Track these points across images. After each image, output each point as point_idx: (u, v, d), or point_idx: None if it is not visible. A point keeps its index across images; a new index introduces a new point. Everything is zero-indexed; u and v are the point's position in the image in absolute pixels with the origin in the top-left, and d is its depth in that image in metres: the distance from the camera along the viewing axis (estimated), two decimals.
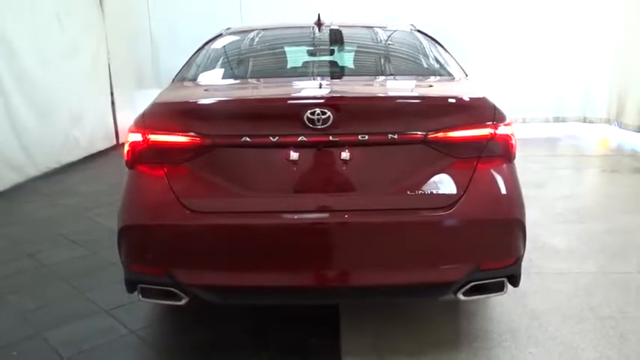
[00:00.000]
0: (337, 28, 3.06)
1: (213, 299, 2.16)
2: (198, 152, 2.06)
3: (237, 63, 2.88)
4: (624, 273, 3.14)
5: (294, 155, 2.03)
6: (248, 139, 2.02)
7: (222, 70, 2.75)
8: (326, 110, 1.97)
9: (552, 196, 4.72)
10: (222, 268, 2.09)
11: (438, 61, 2.84)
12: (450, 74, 2.65)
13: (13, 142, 5.41)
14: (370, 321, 2.60)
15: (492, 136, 2.09)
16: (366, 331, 2.53)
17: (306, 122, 1.97)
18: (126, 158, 2.15)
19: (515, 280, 2.26)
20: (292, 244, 2.04)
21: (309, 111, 1.97)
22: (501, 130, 2.11)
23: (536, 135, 7.82)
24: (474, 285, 2.15)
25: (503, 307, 2.77)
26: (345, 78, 2.75)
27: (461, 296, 2.16)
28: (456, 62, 2.81)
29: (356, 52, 3.05)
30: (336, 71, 2.80)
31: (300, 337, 2.50)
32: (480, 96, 2.21)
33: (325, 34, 2.96)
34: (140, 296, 2.21)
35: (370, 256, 2.06)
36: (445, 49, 2.95)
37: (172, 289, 2.11)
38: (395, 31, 3.23)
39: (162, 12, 8.18)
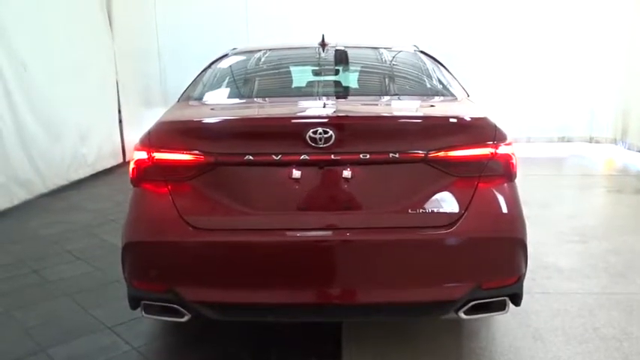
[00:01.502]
0: (341, 48, 3.11)
1: (215, 316, 2.17)
2: (201, 170, 2.09)
3: (242, 82, 2.93)
4: (628, 294, 3.12)
5: (296, 173, 2.06)
6: (251, 157, 2.05)
7: (227, 89, 2.80)
8: (328, 129, 2.00)
9: (557, 215, 4.72)
10: (224, 285, 2.10)
11: (440, 81, 2.88)
12: (452, 94, 2.68)
13: (23, 160, 5.48)
14: (372, 340, 2.60)
15: (493, 156, 2.11)
16: (368, 350, 2.52)
17: (309, 141, 2.00)
18: (131, 176, 2.19)
19: (517, 299, 2.26)
20: (293, 261, 2.05)
21: (311, 130, 2.00)
22: (502, 149, 2.13)
23: (541, 154, 7.84)
24: (476, 304, 2.15)
25: (506, 326, 2.77)
26: (348, 98, 2.80)
27: (462, 315, 2.16)
28: (458, 83, 2.84)
29: (360, 72, 3.09)
30: (340, 91, 2.84)
31: (301, 356, 2.51)
32: (481, 116, 2.24)
33: (329, 55, 3.01)
34: (143, 313, 2.22)
35: (371, 274, 2.08)
36: (447, 70, 2.99)
37: (175, 306, 2.13)
38: (398, 51, 3.28)
39: (170, 32, 8.32)
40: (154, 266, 2.13)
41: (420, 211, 2.06)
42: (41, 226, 4.67)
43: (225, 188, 2.10)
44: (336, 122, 2.07)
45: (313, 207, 2.10)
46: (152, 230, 2.12)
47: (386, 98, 2.75)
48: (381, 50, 3.24)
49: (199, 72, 2.95)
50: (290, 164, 2.06)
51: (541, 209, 4.87)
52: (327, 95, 2.80)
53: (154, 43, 8.25)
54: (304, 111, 2.37)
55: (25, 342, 2.65)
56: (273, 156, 2.05)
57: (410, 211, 2.06)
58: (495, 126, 2.17)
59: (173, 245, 2.09)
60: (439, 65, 3.02)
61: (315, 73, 3.04)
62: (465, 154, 2.09)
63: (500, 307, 2.21)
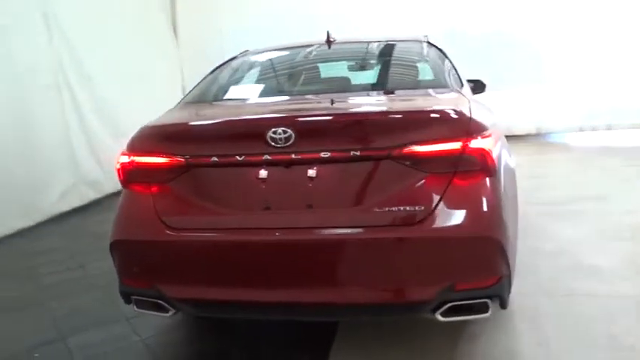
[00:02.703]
0: (342, 45, 3.10)
1: (193, 312, 2.26)
2: (177, 172, 2.19)
3: (235, 85, 3.00)
4: None
5: (262, 174, 2.09)
6: (217, 159, 2.12)
7: (220, 92, 2.88)
8: (287, 129, 2.02)
9: (612, 210, 4.35)
10: (198, 283, 2.19)
11: (437, 74, 2.78)
12: (445, 87, 2.57)
13: (91, 161, 5.98)
14: (365, 340, 2.57)
15: (463, 151, 2.01)
16: (359, 351, 2.50)
17: (269, 141, 2.03)
18: (119, 178, 2.34)
19: (502, 302, 2.14)
20: (259, 260, 2.09)
21: (271, 130, 2.02)
22: (475, 143, 2.02)
23: (619, 143, 7.24)
24: (454, 305, 2.08)
25: (513, 330, 2.64)
26: (327, 95, 2.74)
27: (439, 317, 2.08)
28: (456, 75, 2.71)
29: (351, 68, 3.06)
30: (325, 88, 2.83)
31: (294, 355, 2.54)
32: (451, 109, 2.13)
33: (329, 53, 3.00)
34: (135, 307, 2.37)
35: (337, 273, 2.07)
36: (450, 62, 2.87)
37: (159, 302, 2.25)
38: (402, 44, 3.20)
39: (234, 36, 8.60)
40: (137, 264, 2.27)
41: (386, 209, 2.02)
42: (99, 223, 5.05)
43: (199, 189, 2.18)
44: (295, 122, 2.08)
45: (278, 206, 2.12)
46: (132, 229, 2.25)
47: (365, 93, 2.70)
48: (385, 44, 3.18)
49: (206, 75, 3.06)
50: (254, 165, 2.10)
51: (596, 203, 4.54)
52: (310, 94, 2.80)
53: (219, 48, 8.55)
54: (267, 112, 2.39)
55: (50, 330, 2.91)
56: (237, 157, 2.10)
57: (376, 209, 2.02)
58: (468, 119, 2.07)
59: (151, 244, 2.21)
60: (444, 57, 2.90)
61: (309, 72, 3.04)
62: (431, 150, 2.01)
63: (482, 309, 2.11)
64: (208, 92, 2.83)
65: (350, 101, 2.52)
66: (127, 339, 2.76)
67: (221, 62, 3.18)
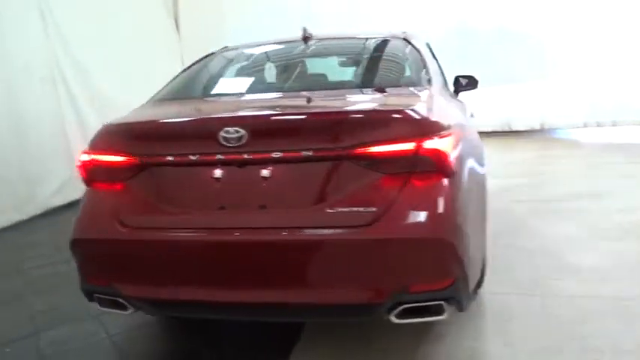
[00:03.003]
0: (318, 41, 3.06)
1: (150, 311, 2.26)
2: (135, 171, 2.18)
3: (204, 82, 2.97)
4: (636, 299, 2.76)
5: (216, 173, 2.07)
6: (172, 158, 2.11)
7: (187, 89, 2.86)
8: (239, 129, 1.99)
9: (606, 208, 4.26)
10: (154, 282, 2.18)
11: (404, 71, 2.73)
12: (412, 85, 2.53)
13: None
14: (329, 341, 2.55)
15: (417, 151, 1.96)
16: (321, 351, 2.48)
17: (222, 141, 2.01)
18: (81, 176, 2.34)
19: (458, 304, 2.10)
20: (214, 260, 2.08)
21: (223, 130, 2.00)
22: (429, 144, 1.97)
23: (623, 140, 7.10)
24: (409, 307, 2.05)
25: (481, 330, 2.61)
26: (288, 94, 2.75)
27: (393, 319, 2.05)
28: (427, 72, 2.65)
29: (320, 66, 3.02)
30: (288, 87, 2.80)
31: (256, 355, 2.54)
32: (404, 109, 2.08)
33: (302, 50, 2.96)
34: (98, 305, 2.38)
35: (288, 273, 2.04)
36: (424, 58, 2.81)
37: (118, 300, 2.25)
38: (376, 41, 3.15)
39: (238, 34, 8.60)
40: (95, 262, 2.27)
41: (340, 210, 1.99)
42: None
43: (155, 188, 2.17)
44: (247, 121, 2.05)
45: (232, 206, 2.10)
46: (90, 228, 2.25)
47: (330, 92, 2.66)
48: (359, 41, 3.14)
49: (178, 73, 3.05)
50: (208, 164, 2.08)
51: (593, 200, 4.48)
52: (272, 91, 2.78)
53: (221, 42, 8.53)
54: (221, 111, 2.37)
55: (27, 325, 2.95)
56: (191, 156, 2.08)
57: (328, 210, 1.99)
58: (424, 119, 2.02)
59: (108, 242, 2.20)
60: (419, 53, 2.84)
61: (278, 70, 3.01)
62: (384, 150, 1.97)
63: (437, 311, 2.07)
64: (177, 90, 2.82)
65: (307, 100, 2.51)
66: (95, 336, 2.77)
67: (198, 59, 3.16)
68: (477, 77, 4.78)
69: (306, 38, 3.11)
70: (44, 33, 5.60)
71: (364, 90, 2.58)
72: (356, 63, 2.99)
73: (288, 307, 2.09)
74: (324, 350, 2.49)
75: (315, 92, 2.48)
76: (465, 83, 4.78)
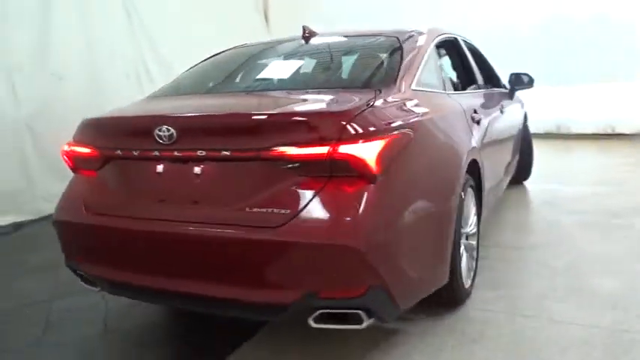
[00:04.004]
0: (315, 39, 3.07)
1: (110, 292, 2.47)
2: (101, 162, 2.39)
3: (183, 81, 3.09)
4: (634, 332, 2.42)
5: (158, 168, 2.21)
6: (120, 152, 2.28)
7: (170, 88, 3.01)
8: (169, 127, 2.10)
9: None
10: (106, 264, 2.38)
11: (374, 72, 2.64)
12: (367, 87, 2.45)
13: None
14: (276, 345, 2.54)
15: (331, 155, 1.92)
16: (261, 352, 2.51)
17: (156, 138, 2.13)
18: (66, 164, 2.61)
19: (378, 315, 2.03)
20: (152, 249, 2.22)
21: (157, 128, 2.13)
22: (344, 148, 1.92)
23: None
24: (326, 312, 2.02)
25: (438, 348, 2.43)
26: (238, 95, 2.77)
27: (312, 323, 2.04)
28: (397, 72, 2.52)
29: (292, 66, 2.98)
30: (247, 87, 2.84)
31: (208, 343, 2.62)
32: (322, 112, 2.04)
33: (289, 49, 2.98)
34: (80, 280, 2.64)
35: (210, 267, 2.12)
36: (401, 60, 2.65)
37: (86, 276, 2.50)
38: (367, 41, 3.05)
39: (325, 25, 8.75)
40: (68, 242, 2.52)
41: (256, 209, 2.02)
42: None
43: (114, 179, 2.36)
44: (175, 120, 2.15)
45: (170, 200, 2.20)
46: (63, 211, 2.50)
47: (279, 93, 2.66)
48: (352, 40, 3.09)
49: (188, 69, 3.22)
50: (150, 159, 2.22)
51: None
52: (229, 92, 2.83)
53: None
54: (161, 110, 2.47)
55: (47, 293, 3.32)
56: (134, 152, 2.24)
57: (247, 209, 2.03)
58: (344, 123, 1.95)
59: (74, 225, 2.43)
60: (401, 55, 2.69)
61: (249, 70, 3.05)
62: (299, 153, 1.95)
63: (356, 320, 2.02)
64: (167, 87, 3.00)
65: (243, 100, 2.55)
66: (94, 309, 3.04)
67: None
68: (532, 75, 4.47)
69: (306, 37, 3.13)
70: (129, 28, 6.11)
71: (319, 91, 2.54)
72: (330, 63, 2.94)
73: (210, 300, 2.16)
74: (262, 352, 2.51)
75: (269, 92, 2.53)
76: (519, 81, 4.48)
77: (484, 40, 7.87)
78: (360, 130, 1.98)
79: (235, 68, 3.08)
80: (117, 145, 2.31)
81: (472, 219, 2.94)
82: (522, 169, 5.27)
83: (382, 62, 2.71)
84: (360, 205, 1.94)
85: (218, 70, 3.13)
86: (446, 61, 3.80)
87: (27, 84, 5.09)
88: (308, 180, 1.99)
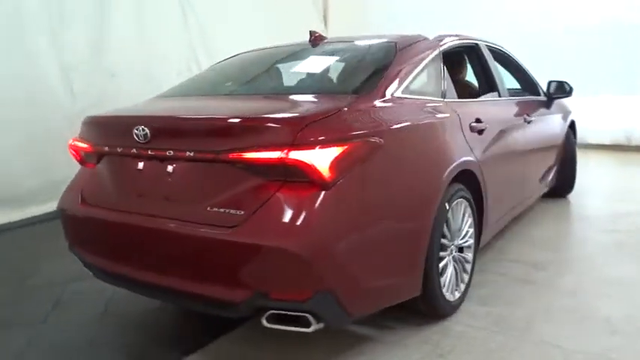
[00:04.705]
0: (322, 45, 3.12)
1: (96, 276, 2.65)
2: (97, 157, 2.57)
3: (188, 83, 3.21)
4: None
5: (139, 165, 2.35)
6: (107, 148, 2.45)
7: (174, 89, 3.14)
8: (144, 127, 2.23)
9: None
10: (96, 252, 2.56)
11: (354, 78, 2.64)
12: (350, 92, 2.45)
13: None
14: (248, 344, 2.61)
15: (283, 160, 1.97)
16: (242, 344, 2.60)
17: (135, 137, 2.28)
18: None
19: (326, 320, 2.05)
20: (130, 240, 2.36)
21: (135, 127, 2.27)
22: (295, 154, 1.96)
23: None
24: (277, 314, 2.08)
25: (407, 356, 2.41)
26: (223, 98, 2.84)
27: (264, 322, 2.11)
28: (377, 79, 2.50)
29: (286, 70, 3.01)
30: (232, 91, 2.93)
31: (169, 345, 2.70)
32: (279, 117, 2.08)
33: (290, 54, 3.03)
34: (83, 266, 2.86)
35: (169, 260, 2.24)
36: (387, 66, 2.62)
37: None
38: (365, 46, 3.04)
39: (385, 27, 8.71)
40: (68, 229, 2.73)
41: (215, 209, 2.10)
42: None
43: (106, 173, 2.53)
44: (149, 121, 2.27)
45: (146, 195, 2.33)
46: (64, 200, 2.71)
47: (257, 97, 2.72)
48: (352, 46, 3.10)
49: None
50: (130, 156, 2.36)
51: None
52: (214, 95, 2.90)
53: None
54: (138, 111, 2.58)
55: (65, 275, 3.56)
56: (118, 149, 2.40)
57: (209, 208, 2.12)
58: (299, 128, 1.98)
59: (71, 213, 2.64)
60: (391, 61, 2.65)
61: (249, 74, 3.11)
62: (254, 157, 2.01)
63: (304, 323, 2.06)
64: (172, 89, 3.15)
65: (216, 104, 2.63)
66: (103, 293, 3.26)
67: None
68: (570, 83, 4.26)
69: (313, 42, 3.18)
70: (184, 26, 6.39)
71: (297, 96, 2.59)
72: (320, 68, 2.96)
73: (175, 293, 2.27)
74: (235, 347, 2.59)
75: (249, 96, 2.63)
76: (557, 89, 4.28)
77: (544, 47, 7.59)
78: (315, 137, 2.00)
79: (231, 72, 3.19)
80: (107, 142, 2.48)
81: (466, 231, 2.86)
82: (563, 183, 5.00)
83: (369, 68, 2.70)
84: (308, 211, 1.97)
85: (216, 74, 3.25)
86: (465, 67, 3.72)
87: (83, 80, 5.49)
88: (265, 183, 2.04)
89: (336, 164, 2.01)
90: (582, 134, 8.41)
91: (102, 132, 2.55)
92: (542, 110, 4.34)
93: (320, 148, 1.99)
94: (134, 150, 2.32)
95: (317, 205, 1.98)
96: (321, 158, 1.98)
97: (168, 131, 2.27)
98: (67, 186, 2.80)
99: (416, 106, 2.59)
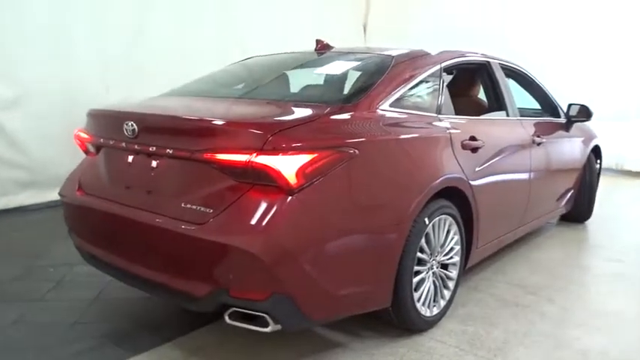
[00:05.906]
0: (327, 54, 3.20)
1: (93, 266, 2.79)
2: (97, 148, 2.73)
3: (196, 82, 3.31)
4: None
5: (128, 158, 2.48)
6: (102, 140, 2.60)
7: (181, 88, 3.27)
8: (133, 123, 2.36)
9: None
10: (87, 239, 2.71)
11: (343, 89, 2.69)
12: (326, 102, 2.50)
13: None
14: (221, 343, 2.66)
15: (249, 164, 2.05)
16: (219, 335, 2.69)
17: (124, 132, 2.41)
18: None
19: (282, 322, 2.11)
20: (116, 229, 2.49)
21: (125, 123, 2.40)
22: (261, 159, 2.04)
23: None
24: (238, 311, 2.16)
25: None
26: (211, 99, 2.91)
27: (227, 318, 2.19)
28: (364, 91, 2.54)
29: (281, 78, 3.08)
30: (225, 93, 3.02)
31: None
32: (249, 122, 2.18)
33: (293, 62, 3.11)
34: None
35: (145, 251, 2.36)
36: (378, 79, 2.65)
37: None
38: (362, 59, 3.08)
39: (424, 41, 8.67)
40: (66, 214, 2.89)
41: (188, 206, 2.20)
42: None
43: (102, 164, 2.68)
44: (137, 118, 2.38)
45: (133, 187, 2.46)
46: (65, 187, 2.87)
47: (242, 102, 2.78)
48: (352, 57, 3.16)
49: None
50: (120, 149, 2.50)
51: None
52: (206, 96, 2.97)
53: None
54: (130, 107, 2.69)
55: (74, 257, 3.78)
56: (110, 142, 2.54)
57: (183, 204, 2.22)
58: (268, 134, 2.05)
59: (68, 200, 2.79)
60: (382, 74, 2.68)
61: (246, 78, 3.19)
62: (224, 158, 2.10)
63: (262, 323, 2.13)
64: (178, 87, 3.28)
65: (199, 105, 2.73)
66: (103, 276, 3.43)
67: None
68: (590, 108, 4.17)
69: (318, 50, 3.25)
70: (219, 26, 6.59)
71: (278, 102, 2.66)
72: (313, 77, 3.02)
73: (148, 283, 2.38)
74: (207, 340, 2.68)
75: (240, 100, 2.72)
76: (575, 113, 4.20)
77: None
78: (285, 144, 2.07)
79: (232, 76, 3.31)
80: (103, 134, 2.62)
81: (450, 248, 2.86)
82: (581, 208, 4.87)
83: (360, 80, 2.75)
84: (271, 214, 2.04)
85: (219, 76, 3.37)
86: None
87: (116, 75, 5.77)
88: (235, 185, 2.13)
89: (303, 171, 2.07)
90: (618, 161, 8.20)
91: (100, 125, 2.70)
92: (560, 133, 4.26)
93: (287, 154, 2.06)
94: (124, 144, 2.46)
95: (280, 209, 2.05)
96: (287, 164, 2.05)
97: (152, 128, 2.39)
98: (69, 174, 2.97)
99: (402, 119, 2.61)
